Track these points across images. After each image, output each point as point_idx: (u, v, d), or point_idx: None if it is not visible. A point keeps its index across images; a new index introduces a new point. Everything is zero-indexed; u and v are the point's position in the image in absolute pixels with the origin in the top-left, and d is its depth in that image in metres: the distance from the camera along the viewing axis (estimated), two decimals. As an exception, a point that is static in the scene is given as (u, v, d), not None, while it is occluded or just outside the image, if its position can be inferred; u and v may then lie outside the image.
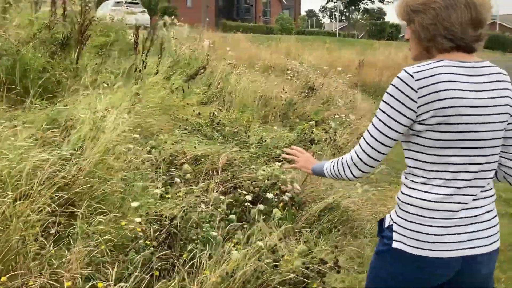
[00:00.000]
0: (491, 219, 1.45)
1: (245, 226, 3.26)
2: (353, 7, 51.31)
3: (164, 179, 3.68)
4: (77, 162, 2.97)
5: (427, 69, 1.36)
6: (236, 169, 4.32)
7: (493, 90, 1.40)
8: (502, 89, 1.42)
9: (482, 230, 1.42)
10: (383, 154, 1.44)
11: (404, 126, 1.38)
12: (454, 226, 1.39)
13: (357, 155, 1.47)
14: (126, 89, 4.75)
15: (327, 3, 51.72)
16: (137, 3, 21.41)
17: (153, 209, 3.06)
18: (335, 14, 55.68)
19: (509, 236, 3.89)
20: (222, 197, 3.67)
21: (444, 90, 1.33)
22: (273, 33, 27.11)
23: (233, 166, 4.38)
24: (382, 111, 1.41)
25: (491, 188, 1.48)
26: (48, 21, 5.09)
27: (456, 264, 1.41)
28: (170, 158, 4.18)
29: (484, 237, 1.43)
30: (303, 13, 64.68)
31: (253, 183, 3.94)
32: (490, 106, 1.38)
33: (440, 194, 1.39)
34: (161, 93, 5.43)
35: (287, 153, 1.91)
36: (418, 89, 1.34)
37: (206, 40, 8.13)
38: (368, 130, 1.45)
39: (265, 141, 5.36)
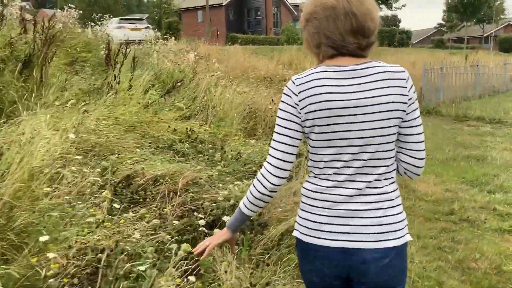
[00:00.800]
0: (383, 216, 1.46)
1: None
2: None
3: (111, 205, 3.37)
4: (-2, 190, 2.67)
5: (306, 76, 1.49)
6: (200, 189, 3.99)
7: (372, 89, 1.44)
8: (386, 87, 1.44)
9: (367, 225, 1.45)
10: (292, 154, 1.52)
11: (298, 128, 1.50)
12: (335, 216, 1.46)
13: (268, 163, 1.53)
14: (87, 107, 4.48)
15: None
16: (142, 19, 21.47)
17: (84, 240, 2.74)
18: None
19: (496, 256, 3.46)
20: (176, 222, 3.36)
21: (316, 94, 1.45)
22: (280, 44, 26.83)
23: (197, 186, 4.05)
24: (279, 117, 1.52)
25: (386, 186, 1.48)
26: (10, 38, 4.86)
27: (340, 256, 1.46)
28: (125, 180, 3.88)
29: (370, 233, 1.45)
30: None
31: (212, 204, 3.61)
32: (369, 105, 1.43)
33: (323, 186, 1.49)
34: (131, 109, 5.14)
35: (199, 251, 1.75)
36: (298, 93, 1.47)
37: (191, 53, 7.85)
38: (273, 138, 1.54)
39: (241, 156, 5.02)
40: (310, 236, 1.49)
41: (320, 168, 1.50)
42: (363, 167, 1.45)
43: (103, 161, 3.85)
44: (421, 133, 1.52)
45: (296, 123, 1.48)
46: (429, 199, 4.88)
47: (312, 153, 1.53)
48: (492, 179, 5.66)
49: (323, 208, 1.47)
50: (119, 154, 4.18)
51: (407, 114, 1.47)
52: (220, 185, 4.08)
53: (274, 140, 1.53)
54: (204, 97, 7.00)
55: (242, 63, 10.53)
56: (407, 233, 1.50)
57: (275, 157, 1.51)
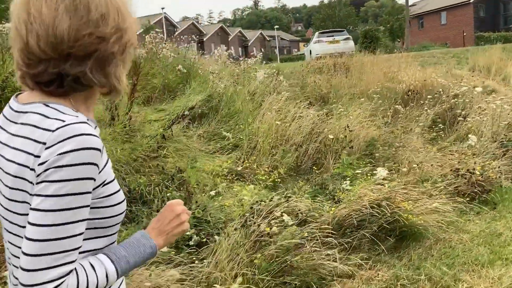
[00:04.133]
0: None
1: None
2: None
3: None
4: None
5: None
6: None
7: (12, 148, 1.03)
8: (20, 150, 0.98)
9: None
10: None
11: None
12: None
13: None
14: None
15: None
16: (342, 31, 20.59)
17: None
18: None
19: None
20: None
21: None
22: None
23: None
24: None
25: None
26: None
27: None
28: None
29: None
30: None
31: None
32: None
33: None
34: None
35: None
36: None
37: (260, 71, 6.73)
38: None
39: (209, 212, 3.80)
40: None
41: None
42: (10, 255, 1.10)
43: None
44: (31, 231, 0.94)
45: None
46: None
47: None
48: None
49: None
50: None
51: (31, 195, 0.97)
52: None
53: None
54: (260, 124, 5.86)
55: (377, 74, 8.65)
56: None
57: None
